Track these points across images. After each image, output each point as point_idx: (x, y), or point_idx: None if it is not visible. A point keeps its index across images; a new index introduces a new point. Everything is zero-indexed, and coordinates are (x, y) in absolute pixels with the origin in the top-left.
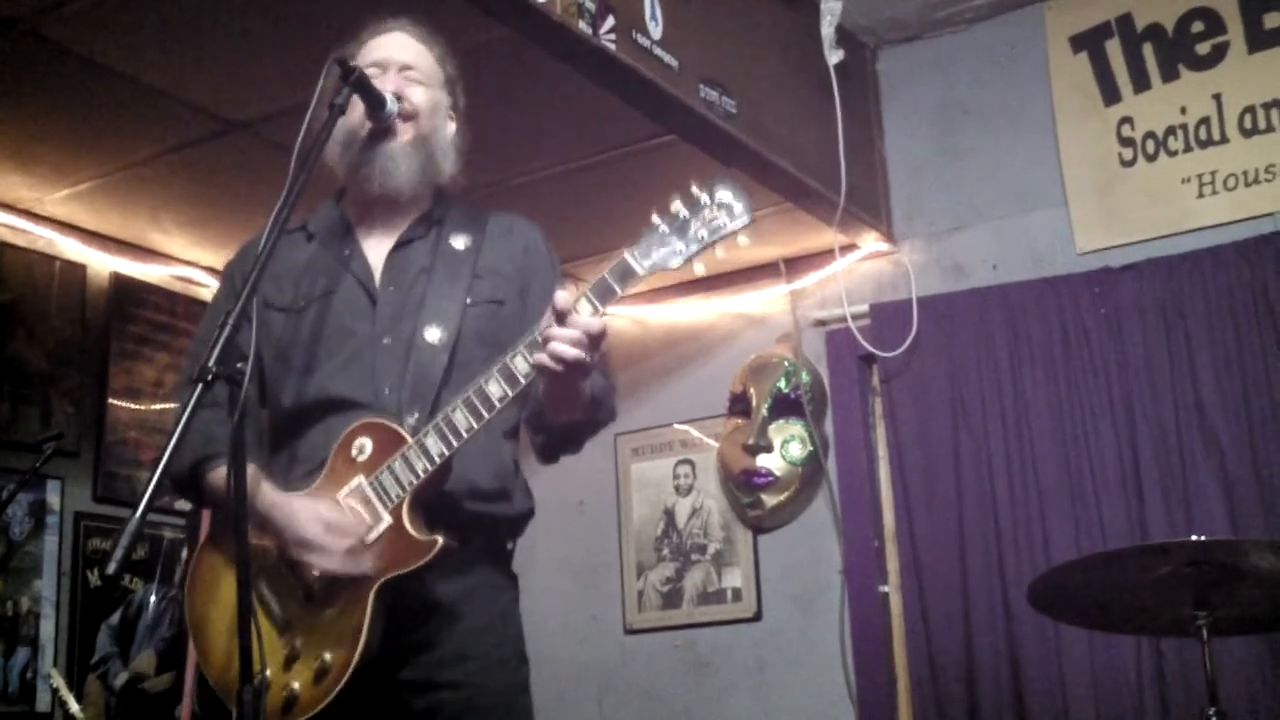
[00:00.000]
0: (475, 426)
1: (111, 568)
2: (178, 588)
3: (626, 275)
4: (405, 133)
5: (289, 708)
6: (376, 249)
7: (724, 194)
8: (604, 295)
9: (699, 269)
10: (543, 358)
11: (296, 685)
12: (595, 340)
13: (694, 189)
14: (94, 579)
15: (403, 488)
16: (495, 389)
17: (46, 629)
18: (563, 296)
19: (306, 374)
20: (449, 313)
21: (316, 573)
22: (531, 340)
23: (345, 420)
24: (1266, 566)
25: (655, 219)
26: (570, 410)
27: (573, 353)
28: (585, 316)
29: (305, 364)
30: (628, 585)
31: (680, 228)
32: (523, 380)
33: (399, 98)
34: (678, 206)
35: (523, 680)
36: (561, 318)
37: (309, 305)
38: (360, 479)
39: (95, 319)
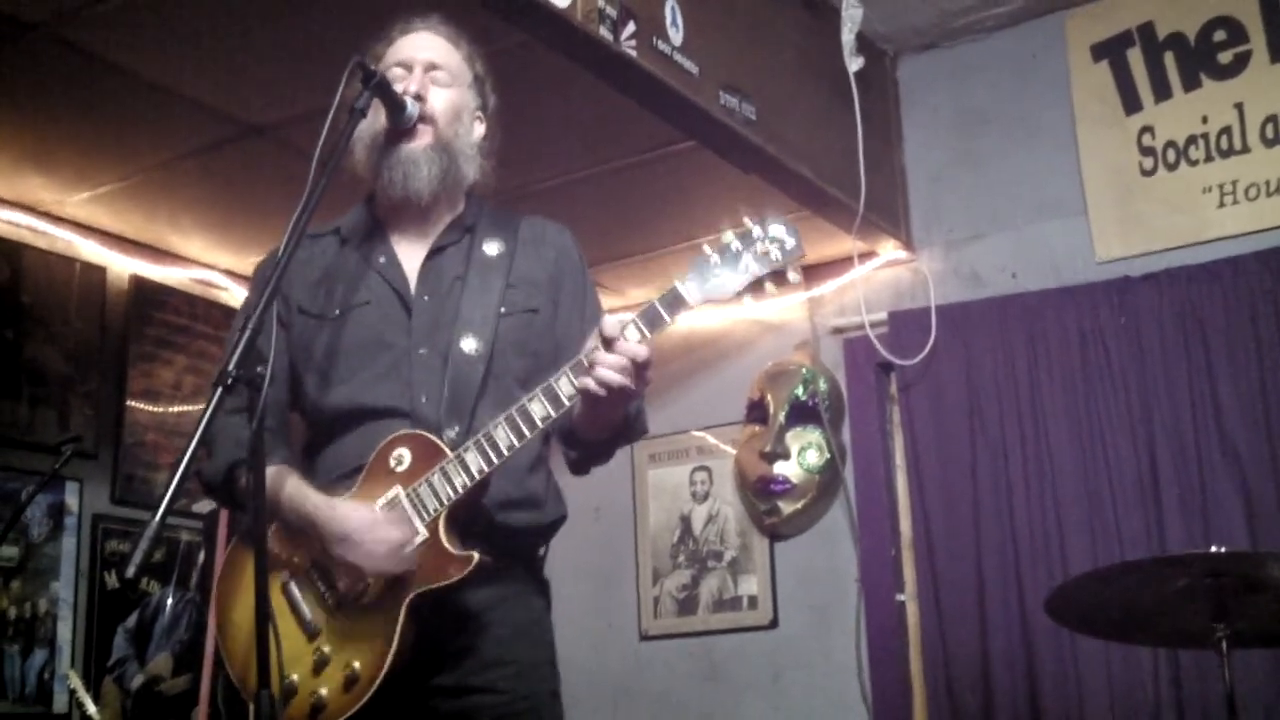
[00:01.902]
0: (516, 444)
1: (131, 570)
2: (194, 590)
3: (677, 304)
4: (424, 136)
5: (316, 713)
6: (410, 255)
7: (776, 228)
8: (653, 323)
9: (748, 301)
10: (588, 382)
11: (325, 691)
12: (641, 368)
13: (746, 220)
14: (111, 581)
15: (440, 502)
16: (538, 409)
17: (64, 630)
18: (611, 323)
19: (341, 382)
20: (484, 322)
21: (358, 574)
22: (577, 362)
23: (382, 429)
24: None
25: (706, 249)
26: (605, 429)
27: (618, 379)
28: (632, 343)
29: (340, 372)
30: (643, 591)
31: (732, 259)
32: (566, 402)
33: (419, 99)
34: (729, 238)
35: (555, 686)
36: (609, 344)
37: (344, 313)
38: (398, 489)
39: (114, 321)
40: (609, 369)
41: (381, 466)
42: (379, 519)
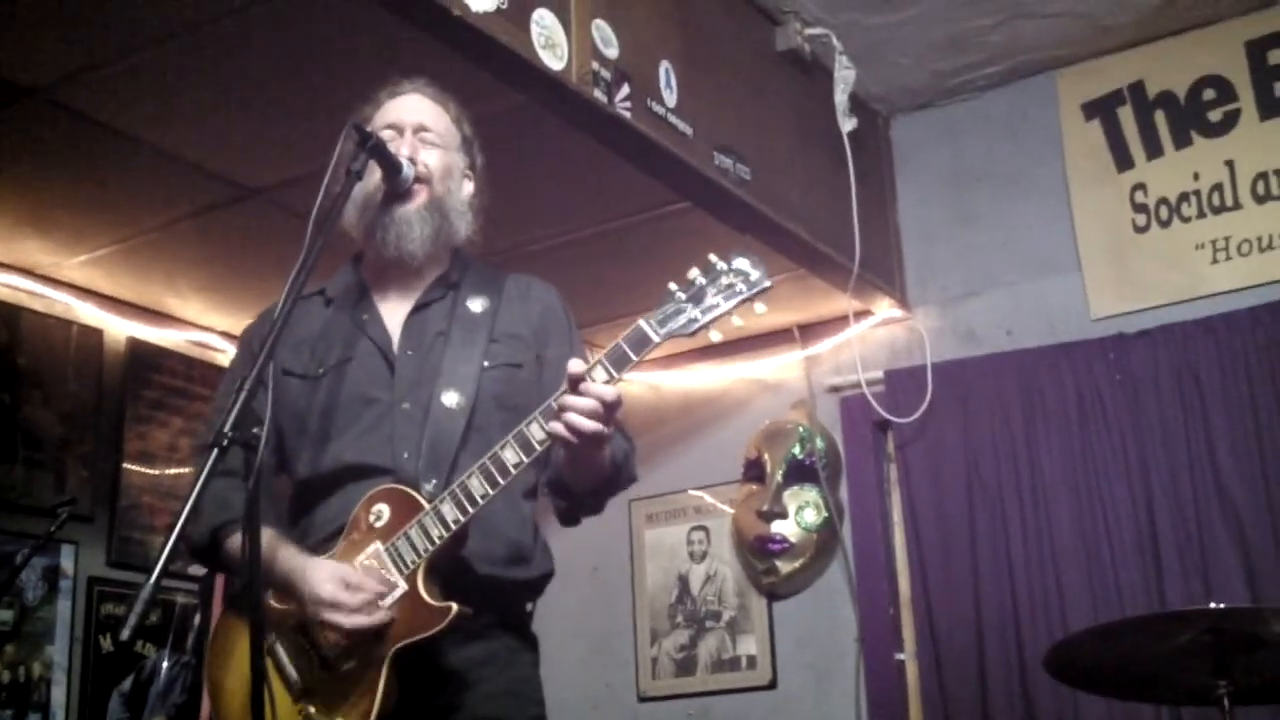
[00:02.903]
0: (491, 493)
1: (126, 633)
2: (190, 653)
3: (642, 343)
4: (419, 196)
5: None
6: (393, 313)
7: (741, 262)
8: (619, 362)
9: (715, 336)
10: (558, 427)
11: None
12: (610, 409)
13: (711, 258)
14: (107, 644)
15: (418, 554)
16: (511, 456)
17: (58, 695)
18: (577, 364)
19: (325, 441)
20: (466, 377)
21: (337, 630)
22: (547, 408)
23: (364, 487)
24: None
25: (672, 286)
26: (591, 477)
27: (588, 425)
28: (599, 385)
29: (324, 431)
30: (641, 652)
31: (696, 295)
32: (538, 447)
33: (412, 161)
34: (695, 274)
35: None
36: (575, 384)
37: (326, 372)
38: (378, 545)
39: (111, 383)
40: (577, 413)
41: (362, 523)
42: (350, 577)
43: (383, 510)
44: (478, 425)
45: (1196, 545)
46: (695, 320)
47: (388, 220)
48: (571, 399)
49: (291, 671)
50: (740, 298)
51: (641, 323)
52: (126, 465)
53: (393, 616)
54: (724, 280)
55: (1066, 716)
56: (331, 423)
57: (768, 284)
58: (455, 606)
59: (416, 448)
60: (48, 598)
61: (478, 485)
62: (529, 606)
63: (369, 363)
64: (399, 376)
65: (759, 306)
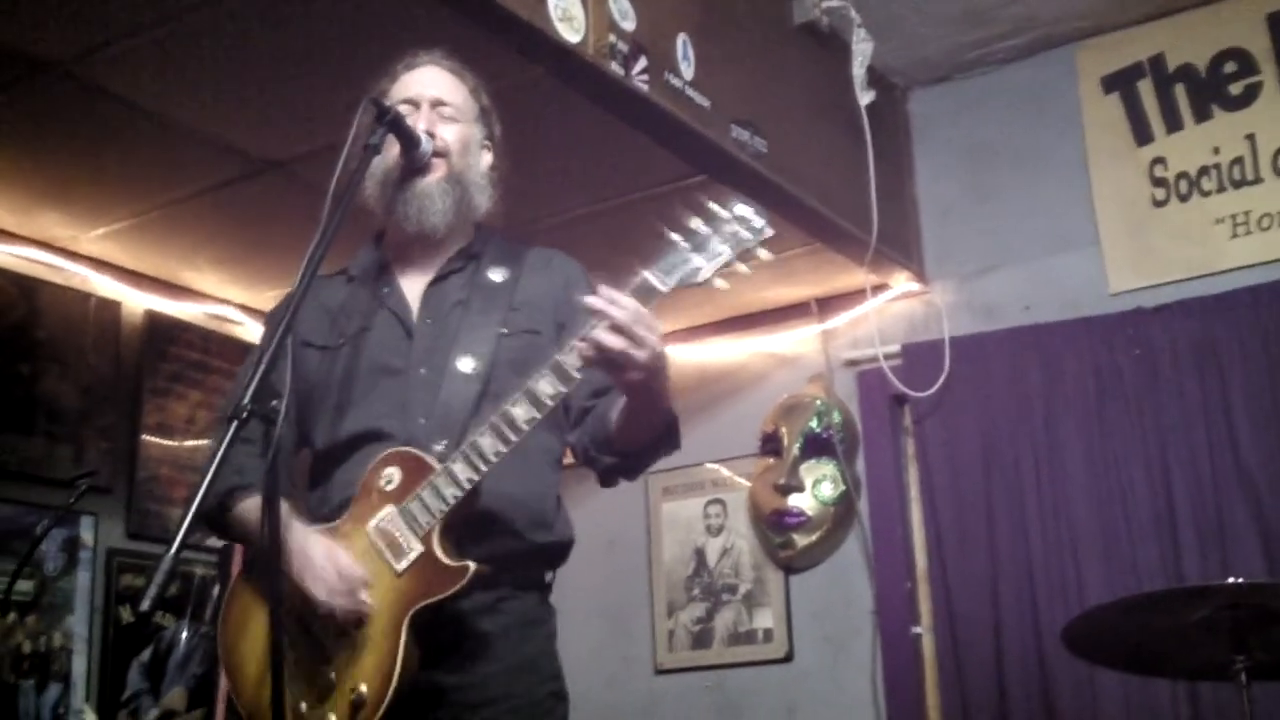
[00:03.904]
0: (503, 450)
1: (146, 604)
2: (209, 624)
3: (649, 293)
4: (437, 170)
5: None
6: (413, 285)
7: (742, 208)
8: None
9: (720, 285)
10: (583, 346)
11: (333, 718)
12: (637, 325)
13: (711, 205)
14: (126, 615)
15: (432, 515)
16: (521, 412)
17: (79, 665)
18: (593, 299)
19: (343, 410)
20: (482, 343)
21: (326, 608)
22: (555, 362)
23: (377, 452)
24: None
25: (674, 236)
26: (645, 429)
27: (615, 341)
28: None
29: (341, 401)
30: (658, 625)
31: (700, 243)
32: (548, 402)
33: (430, 135)
34: (697, 223)
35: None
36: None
37: (346, 343)
38: (391, 508)
39: (129, 356)
40: (602, 333)
41: (372, 488)
42: (338, 556)
43: (393, 474)
44: (493, 391)
45: (1214, 521)
46: (701, 269)
47: (408, 194)
48: (600, 303)
49: (309, 639)
50: (746, 244)
51: (647, 274)
52: (145, 437)
53: (371, 607)
54: (727, 228)
55: (1083, 691)
56: (349, 392)
57: (770, 230)
58: (472, 565)
59: (431, 413)
60: (67, 569)
61: (489, 443)
62: (548, 576)
63: (387, 332)
64: (416, 344)
65: (763, 253)
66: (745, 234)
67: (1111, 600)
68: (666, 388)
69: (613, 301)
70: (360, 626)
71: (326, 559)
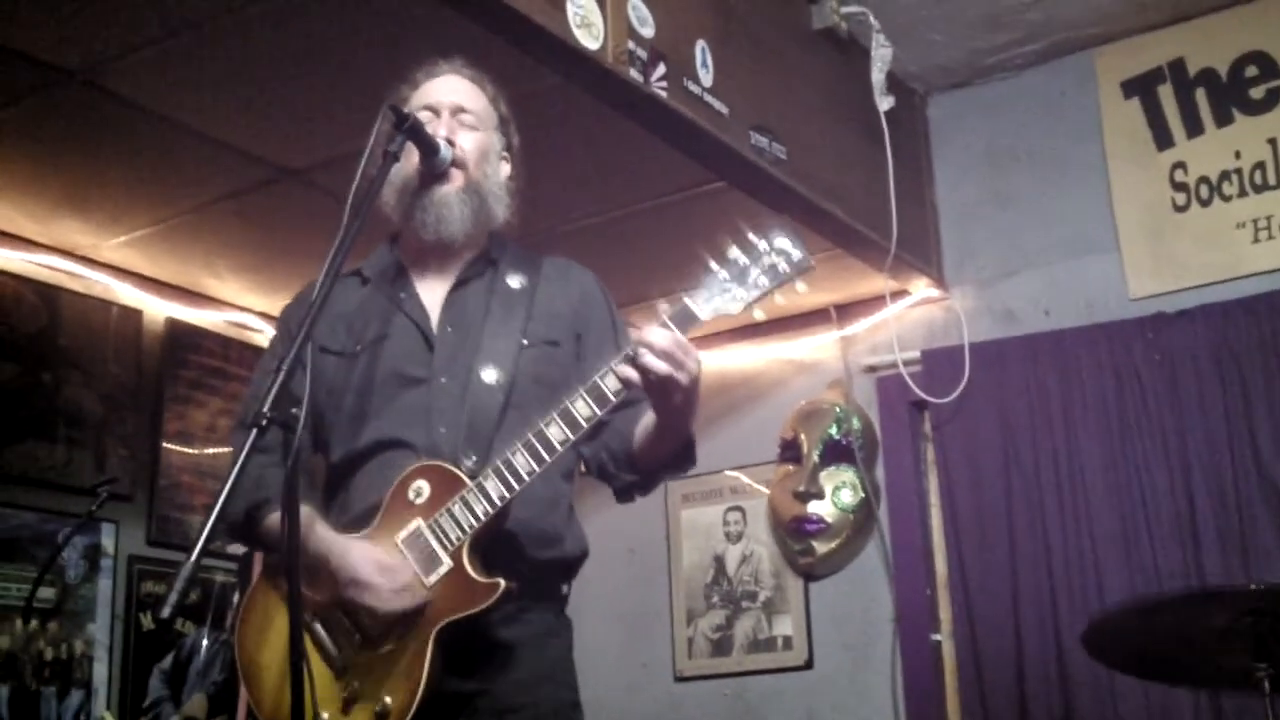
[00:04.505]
0: (536, 469)
1: (166, 611)
2: (229, 631)
3: (688, 319)
4: (456, 179)
5: None
6: (431, 292)
7: (781, 240)
8: None
9: (758, 315)
10: (627, 371)
11: None
12: (681, 351)
13: (751, 235)
14: (147, 622)
15: (463, 530)
16: (556, 433)
17: (100, 672)
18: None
19: (363, 418)
20: (505, 353)
21: (371, 613)
22: (594, 385)
23: (401, 463)
24: None
25: (714, 265)
26: (668, 445)
27: (661, 365)
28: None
29: (360, 408)
30: (678, 632)
31: (740, 274)
32: (583, 424)
33: (450, 143)
34: (735, 253)
35: None
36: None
37: (364, 349)
38: (419, 522)
39: (150, 364)
40: (654, 351)
41: (401, 500)
42: (385, 560)
43: (423, 487)
44: (516, 403)
45: (1236, 526)
46: (739, 300)
47: (426, 202)
48: (645, 335)
49: (332, 649)
50: (784, 278)
51: (687, 301)
52: (165, 445)
53: (428, 600)
54: (766, 260)
55: (1103, 698)
56: (368, 399)
57: (809, 263)
58: (502, 582)
59: (455, 423)
60: (89, 576)
61: (523, 462)
62: (564, 589)
63: (406, 340)
64: (438, 353)
65: (801, 285)
66: (785, 267)
67: (1131, 600)
68: (696, 410)
69: (654, 334)
70: (388, 635)
71: (372, 565)
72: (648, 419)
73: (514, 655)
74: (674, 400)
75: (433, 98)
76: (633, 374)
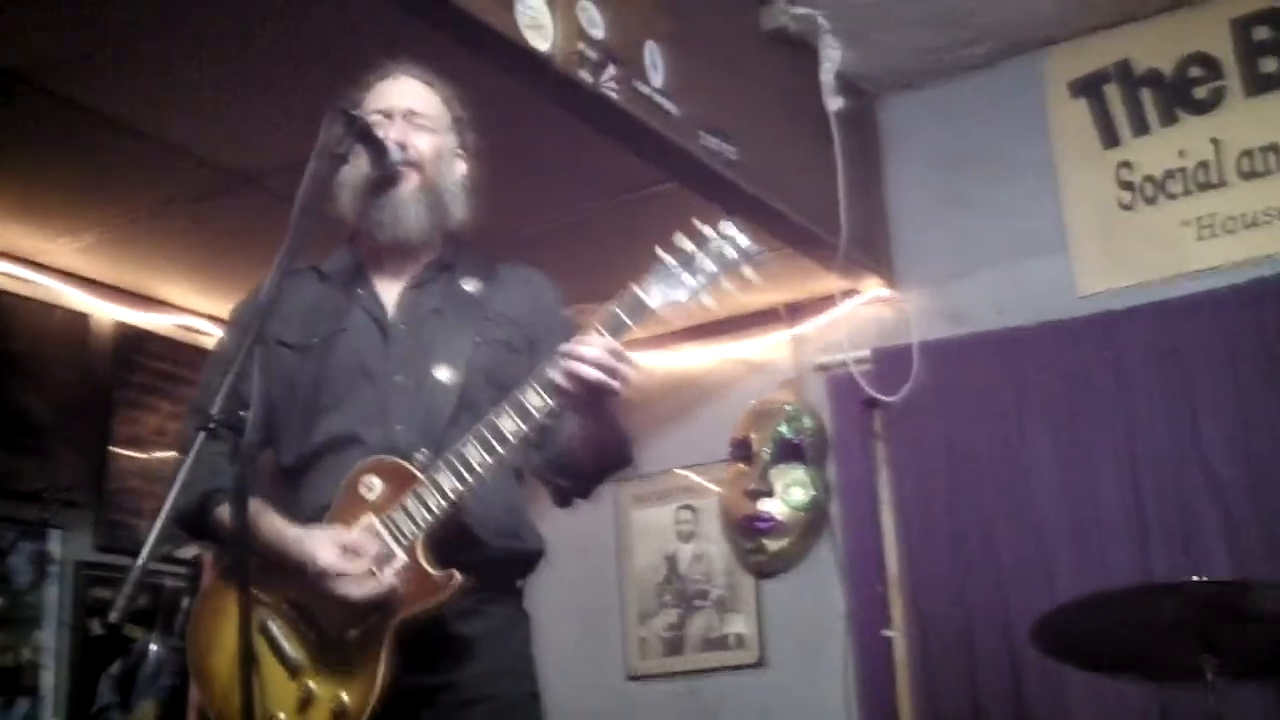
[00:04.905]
0: (489, 462)
1: (115, 616)
2: (179, 637)
3: (638, 309)
4: (412, 180)
5: None
6: (388, 289)
7: (729, 229)
8: (615, 329)
9: (708, 302)
10: (558, 377)
11: None
12: (615, 359)
13: (698, 225)
14: (96, 628)
15: (417, 525)
16: (508, 424)
17: (47, 679)
18: (570, 345)
19: (319, 412)
20: (458, 353)
21: (341, 601)
22: (543, 375)
23: (354, 459)
24: (1272, 609)
25: (662, 254)
26: (597, 449)
27: (592, 373)
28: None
29: (316, 402)
30: (630, 632)
31: (687, 262)
32: (535, 414)
33: (403, 146)
34: (682, 241)
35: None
36: (572, 349)
37: (321, 343)
38: (371, 517)
39: (98, 368)
40: (581, 362)
41: (351, 496)
42: (349, 541)
43: (374, 482)
44: (468, 402)
45: (1183, 522)
46: (688, 286)
47: (382, 203)
48: (573, 347)
49: (287, 649)
50: (733, 263)
51: (636, 290)
52: (115, 450)
53: (398, 585)
54: (713, 246)
55: (1054, 693)
56: (324, 394)
57: (756, 248)
58: (458, 575)
59: (410, 421)
60: (36, 583)
61: (475, 454)
62: (519, 584)
63: (363, 335)
64: (393, 350)
65: (749, 273)
66: (732, 253)
67: (1080, 596)
68: (619, 411)
69: (587, 343)
70: (344, 633)
71: (335, 549)
72: (573, 422)
73: (474, 648)
74: (605, 408)
75: (385, 101)
76: (566, 383)
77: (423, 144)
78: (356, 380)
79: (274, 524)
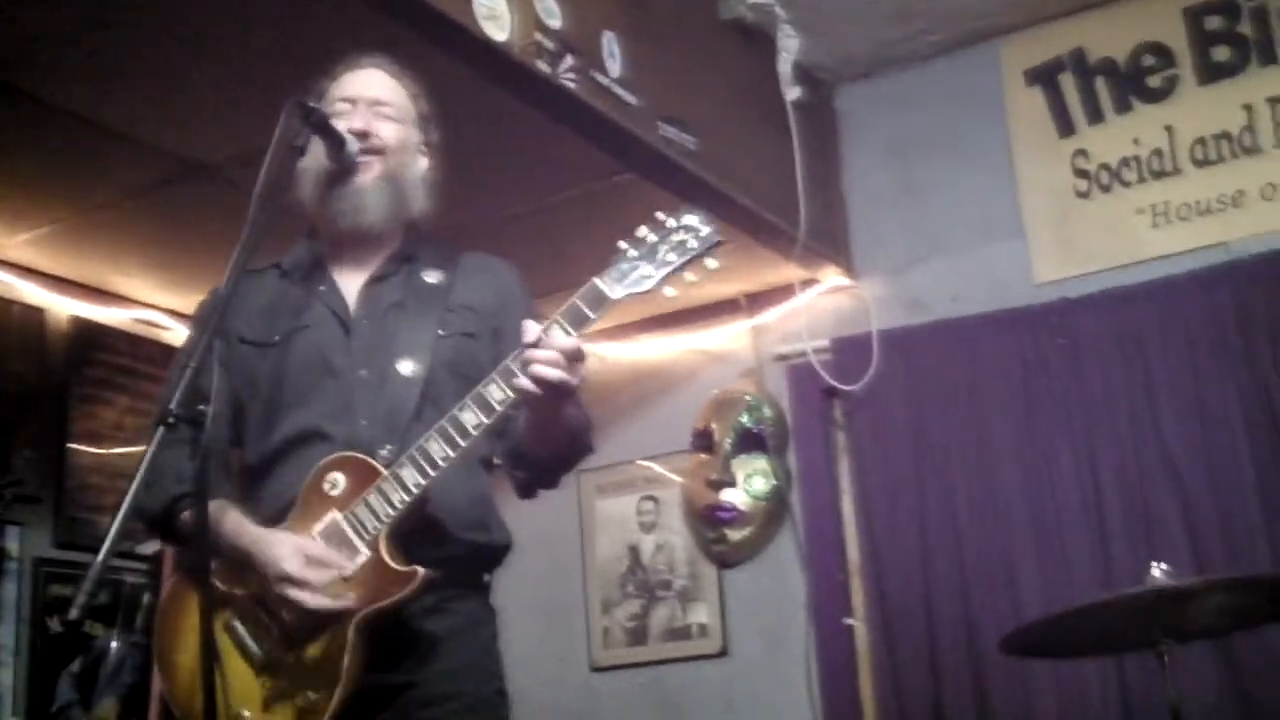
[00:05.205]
0: (451, 455)
1: (75, 612)
2: (140, 633)
3: (599, 301)
4: (373, 169)
5: None
6: (350, 283)
7: (690, 218)
8: (577, 321)
9: (669, 292)
10: (523, 381)
11: None
12: (573, 359)
13: (659, 215)
14: (55, 625)
15: (380, 520)
16: (470, 417)
17: (6, 677)
18: (532, 325)
19: (283, 408)
20: (421, 346)
21: (301, 607)
22: (505, 368)
23: (319, 455)
24: (1222, 603)
25: (623, 245)
26: (551, 442)
27: (553, 373)
28: (559, 338)
29: (280, 399)
30: (593, 623)
31: (648, 252)
32: (498, 408)
33: (365, 135)
34: (644, 231)
35: (504, 716)
36: (534, 345)
37: (283, 339)
38: (334, 514)
39: (55, 363)
40: (542, 364)
41: (316, 493)
42: (312, 551)
43: (338, 479)
44: (432, 395)
45: (1141, 508)
46: (650, 277)
47: (343, 193)
48: (534, 352)
49: (252, 645)
50: (693, 253)
51: (597, 281)
52: (73, 445)
53: (357, 596)
54: (675, 236)
55: (1014, 676)
56: (287, 390)
57: (717, 238)
58: (421, 570)
59: (374, 416)
60: None
61: (437, 448)
62: (487, 578)
63: (325, 330)
64: (355, 345)
65: (711, 262)
66: (693, 242)
67: (1045, 616)
68: (578, 400)
69: (545, 344)
70: (308, 630)
71: (300, 559)
72: (529, 417)
73: (440, 646)
74: (564, 405)
75: (351, 89)
76: (529, 385)
77: (386, 132)
78: (320, 376)
79: (237, 524)
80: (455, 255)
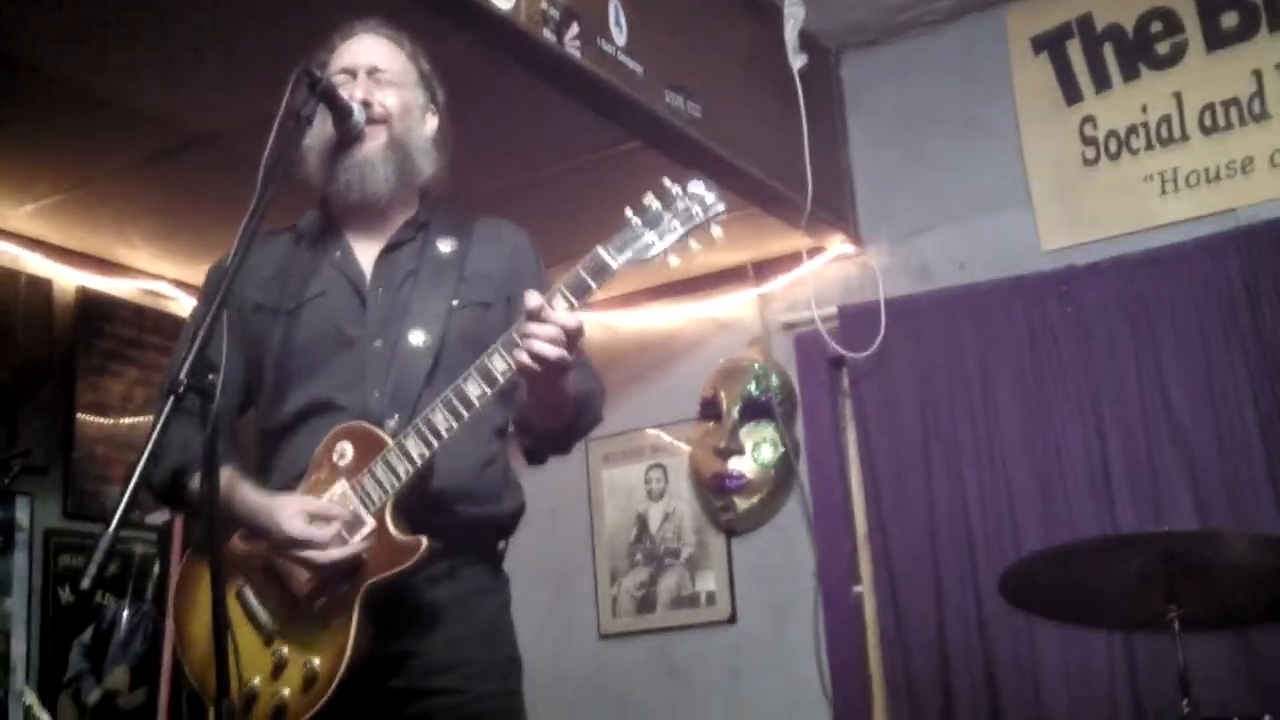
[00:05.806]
0: (455, 426)
1: (86, 582)
2: (150, 603)
3: (602, 270)
4: (378, 136)
5: (279, 716)
6: (365, 251)
7: (695, 186)
8: (579, 291)
9: (673, 261)
10: (522, 356)
11: (286, 693)
12: (573, 336)
13: (665, 183)
14: (66, 596)
15: (385, 490)
16: (473, 388)
17: (17, 648)
18: (535, 295)
19: (297, 376)
20: (434, 316)
21: (310, 568)
22: (508, 339)
23: (332, 423)
24: (1236, 558)
25: (628, 213)
26: (555, 413)
27: (552, 350)
28: (561, 313)
29: (294, 367)
30: (601, 591)
31: (653, 220)
32: (500, 379)
33: (367, 104)
34: (650, 200)
35: (514, 684)
36: (535, 316)
37: (300, 305)
38: (342, 484)
39: (62, 334)
40: (541, 340)
41: (325, 462)
42: (316, 508)
43: (346, 448)
44: (445, 365)
45: (1147, 475)
46: (653, 245)
47: (349, 163)
48: (532, 327)
49: (261, 614)
50: (697, 221)
51: (600, 250)
52: (80, 416)
53: (366, 548)
54: (680, 205)
55: (1022, 645)
56: (303, 358)
57: (723, 207)
58: (425, 540)
59: (386, 387)
60: (4, 551)
61: (441, 419)
62: (500, 545)
63: (341, 298)
64: (370, 314)
65: (716, 230)
66: (698, 211)
67: (1046, 549)
68: (572, 374)
69: (544, 318)
70: (315, 598)
71: (302, 517)
72: (531, 389)
73: (444, 615)
74: (562, 379)
75: (348, 60)
76: (527, 360)
77: (389, 100)
78: (334, 346)
79: (244, 493)
80: (468, 222)
